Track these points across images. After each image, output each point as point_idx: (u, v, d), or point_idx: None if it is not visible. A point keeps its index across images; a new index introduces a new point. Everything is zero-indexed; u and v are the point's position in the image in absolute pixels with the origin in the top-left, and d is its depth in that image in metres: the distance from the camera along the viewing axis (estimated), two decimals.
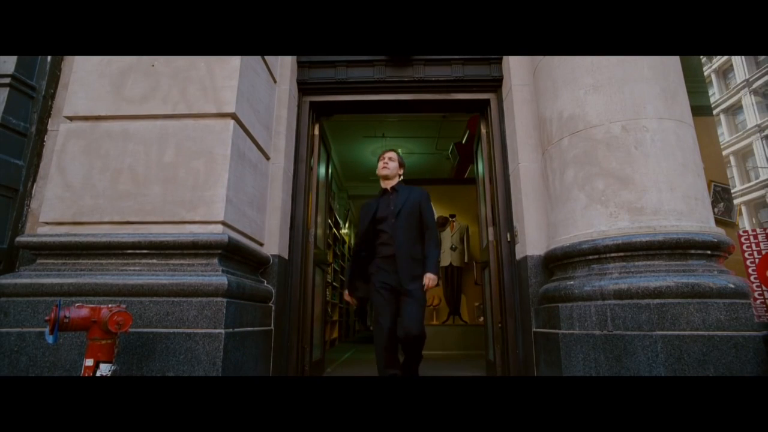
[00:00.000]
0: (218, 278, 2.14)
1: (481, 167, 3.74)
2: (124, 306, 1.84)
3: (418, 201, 2.58)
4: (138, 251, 2.25)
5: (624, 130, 2.42)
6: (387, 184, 2.68)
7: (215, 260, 2.25)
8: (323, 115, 3.80)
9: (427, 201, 2.60)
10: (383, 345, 2.39)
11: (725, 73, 19.60)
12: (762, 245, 3.22)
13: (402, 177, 2.74)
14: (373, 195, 2.85)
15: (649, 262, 2.24)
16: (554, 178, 2.71)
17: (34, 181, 2.78)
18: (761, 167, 17.78)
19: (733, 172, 18.54)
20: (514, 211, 3.10)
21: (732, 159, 18.76)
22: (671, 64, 2.59)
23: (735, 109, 19.12)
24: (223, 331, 2.06)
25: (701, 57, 5.42)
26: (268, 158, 3.07)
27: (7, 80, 2.62)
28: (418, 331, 2.30)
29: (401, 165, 2.74)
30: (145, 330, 2.05)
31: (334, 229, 7.06)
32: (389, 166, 2.66)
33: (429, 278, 2.40)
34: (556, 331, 2.36)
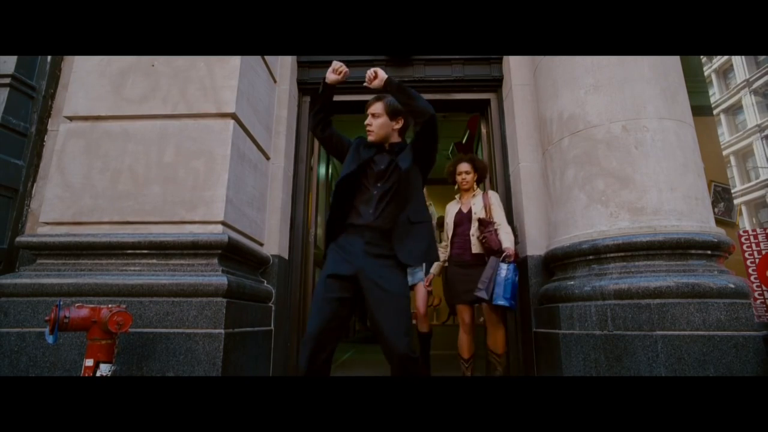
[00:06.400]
0: (218, 278, 2.14)
1: None
2: (124, 306, 1.84)
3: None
4: (138, 251, 2.25)
5: (624, 130, 2.42)
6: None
7: (215, 260, 2.25)
8: None
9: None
10: (303, 363, 1.54)
11: (725, 73, 19.58)
12: (762, 245, 3.22)
13: (404, 128, 1.88)
14: None
15: (649, 262, 2.24)
16: (554, 178, 2.71)
17: (34, 181, 2.78)
18: (761, 167, 17.78)
19: (734, 172, 18.53)
20: (515, 211, 3.09)
21: (732, 159, 18.75)
22: (671, 64, 2.59)
23: (735, 109, 19.10)
24: (223, 331, 2.06)
25: (701, 57, 5.41)
26: (268, 158, 3.07)
27: (7, 80, 2.61)
28: (405, 349, 1.47)
29: (393, 114, 1.81)
30: (145, 330, 2.05)
31: None
32: (372, 127, 1.80)
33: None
34: (557, 331, 2.36)
